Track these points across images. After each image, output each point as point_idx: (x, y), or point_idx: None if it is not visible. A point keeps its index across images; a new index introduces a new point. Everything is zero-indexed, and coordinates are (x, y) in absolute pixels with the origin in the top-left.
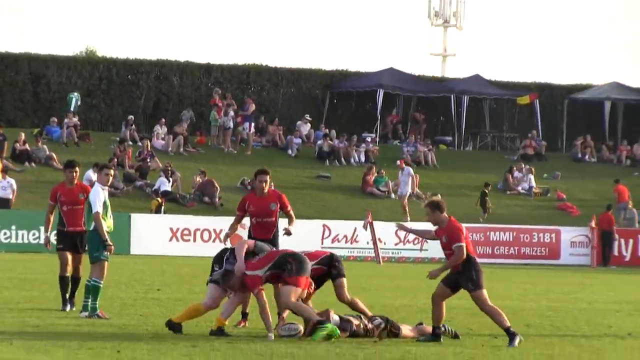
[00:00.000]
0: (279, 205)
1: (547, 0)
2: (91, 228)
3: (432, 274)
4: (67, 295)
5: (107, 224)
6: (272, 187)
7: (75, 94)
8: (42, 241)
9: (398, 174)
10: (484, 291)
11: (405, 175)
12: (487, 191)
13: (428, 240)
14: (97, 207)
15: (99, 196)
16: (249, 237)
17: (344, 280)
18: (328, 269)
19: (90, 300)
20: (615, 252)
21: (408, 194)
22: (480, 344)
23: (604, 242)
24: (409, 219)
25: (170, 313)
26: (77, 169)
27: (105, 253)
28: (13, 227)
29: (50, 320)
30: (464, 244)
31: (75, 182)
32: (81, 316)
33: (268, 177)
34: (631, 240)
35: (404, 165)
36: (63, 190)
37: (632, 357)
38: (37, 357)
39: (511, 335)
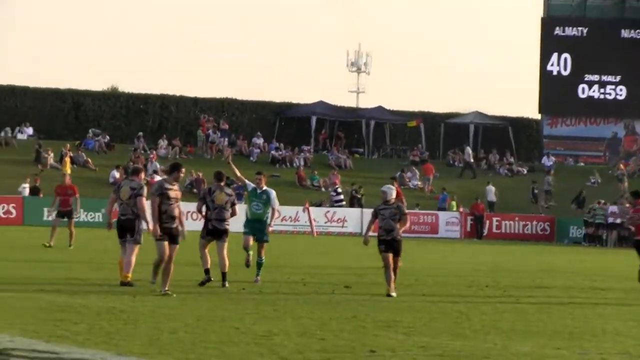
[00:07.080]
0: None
1: (427, 55)
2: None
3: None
4: None
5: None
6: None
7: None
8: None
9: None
10: None
11: None
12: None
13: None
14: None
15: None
16: None
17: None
18: None
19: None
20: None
21: None
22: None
23: (477, 222)
24: None
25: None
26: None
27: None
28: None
29: (89, 275)
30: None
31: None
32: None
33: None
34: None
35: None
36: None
37: (489, 300)
38: (77, 300)
39: None
